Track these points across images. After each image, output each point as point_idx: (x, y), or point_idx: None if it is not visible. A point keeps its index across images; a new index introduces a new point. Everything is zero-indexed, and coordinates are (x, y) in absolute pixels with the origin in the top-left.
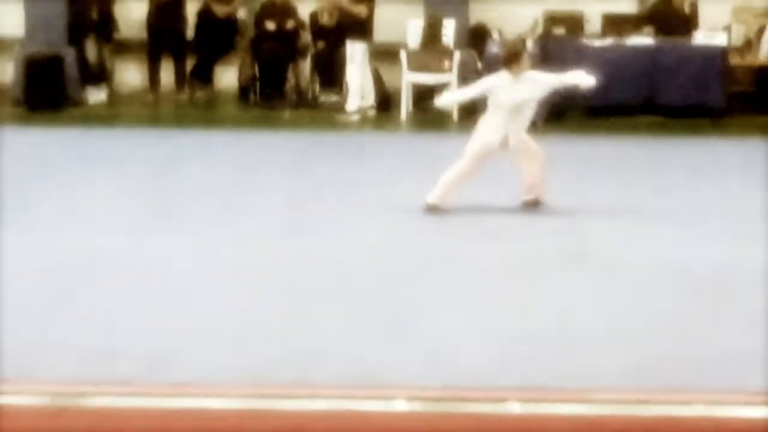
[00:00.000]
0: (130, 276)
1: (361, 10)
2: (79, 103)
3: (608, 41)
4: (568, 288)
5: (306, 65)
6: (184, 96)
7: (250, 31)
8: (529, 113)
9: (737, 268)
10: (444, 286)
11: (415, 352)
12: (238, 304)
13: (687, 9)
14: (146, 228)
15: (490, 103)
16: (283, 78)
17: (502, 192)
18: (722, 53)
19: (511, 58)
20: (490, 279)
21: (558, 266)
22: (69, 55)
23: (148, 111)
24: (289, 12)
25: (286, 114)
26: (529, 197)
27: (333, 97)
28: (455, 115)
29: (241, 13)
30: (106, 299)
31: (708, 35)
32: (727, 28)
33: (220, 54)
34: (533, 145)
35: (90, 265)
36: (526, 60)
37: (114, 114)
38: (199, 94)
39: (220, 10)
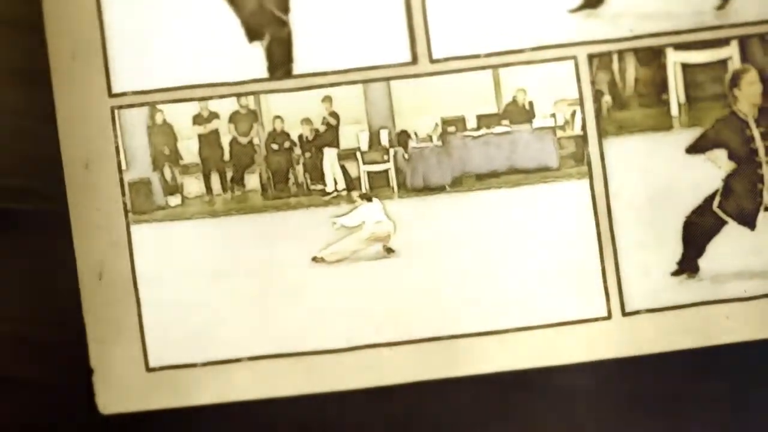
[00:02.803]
0: None
1: (332, 121)
2: None
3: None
4: None
5: (300, 167)
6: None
7: (263, 149)
8: None
9: None
10: None
11: None
12: None
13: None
14: None
15: None
16: (286, 177)
17: None
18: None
19: None
20: None
21: None
22: None
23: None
24: (285, 136)
25: (292, 200)
26: None
27: (319, 186)
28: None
29: (256, 140)
30: None
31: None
32: None
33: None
34: None
35: None
36: None
37: None
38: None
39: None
